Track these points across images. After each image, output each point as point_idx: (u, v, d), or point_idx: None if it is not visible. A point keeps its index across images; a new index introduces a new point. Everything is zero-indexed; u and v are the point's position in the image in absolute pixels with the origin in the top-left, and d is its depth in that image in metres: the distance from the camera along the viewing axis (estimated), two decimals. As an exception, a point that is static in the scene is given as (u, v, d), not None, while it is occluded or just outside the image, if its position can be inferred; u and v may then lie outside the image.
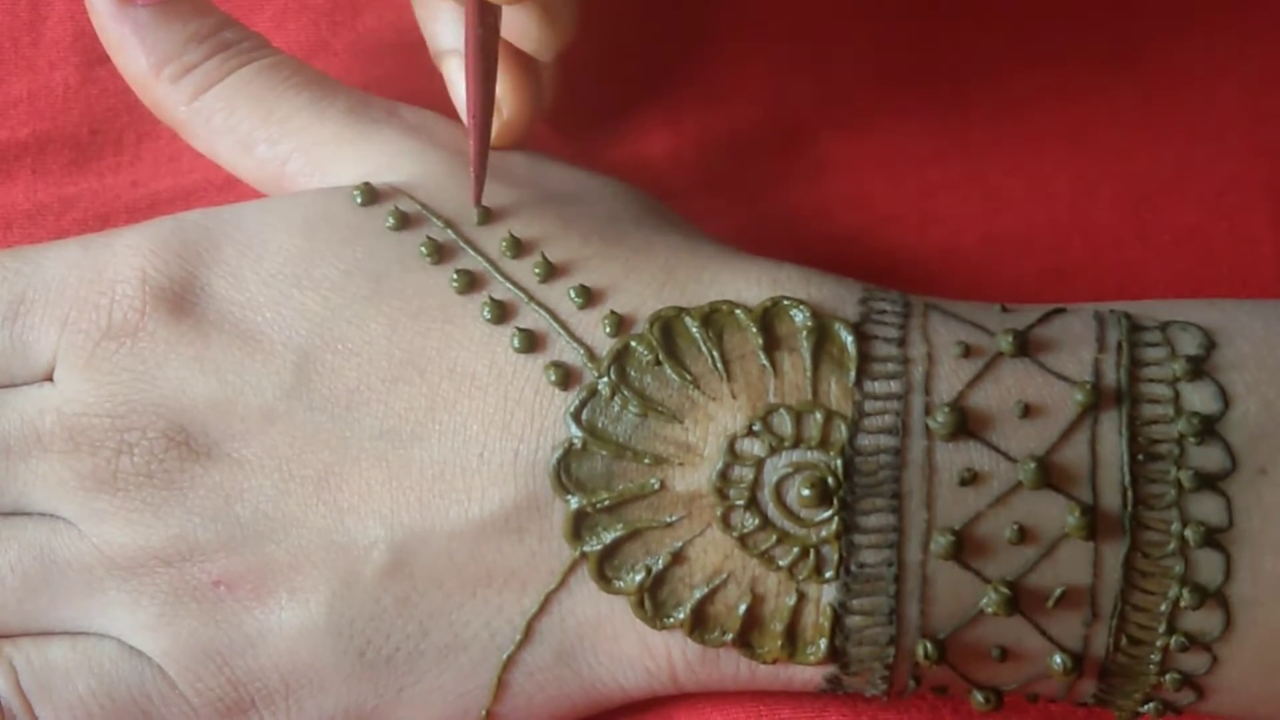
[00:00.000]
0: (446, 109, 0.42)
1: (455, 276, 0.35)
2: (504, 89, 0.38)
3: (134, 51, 0.39)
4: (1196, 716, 0.37)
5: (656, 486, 0.33)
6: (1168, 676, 0.33)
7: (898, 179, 0.44)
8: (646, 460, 0.33)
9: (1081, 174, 0.44)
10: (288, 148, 0.39)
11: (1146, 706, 0.34)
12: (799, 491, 0.32)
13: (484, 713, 0.35)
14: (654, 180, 0.43)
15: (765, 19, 0.45)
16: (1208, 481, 0.32)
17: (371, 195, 0.36)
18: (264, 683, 0.34)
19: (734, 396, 0.33)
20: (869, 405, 0.32)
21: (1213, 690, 0.33)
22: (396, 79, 0.45)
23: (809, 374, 0.33)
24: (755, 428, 0.33)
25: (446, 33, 0.40)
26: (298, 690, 0.34)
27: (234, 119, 0.39)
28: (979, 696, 0.34)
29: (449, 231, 0.36)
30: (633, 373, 0.33)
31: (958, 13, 0.45)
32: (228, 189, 0.43)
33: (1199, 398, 0.32)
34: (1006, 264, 0.43)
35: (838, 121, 0.45)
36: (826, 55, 0.45)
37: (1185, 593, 0.32)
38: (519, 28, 0.36)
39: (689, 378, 0.33)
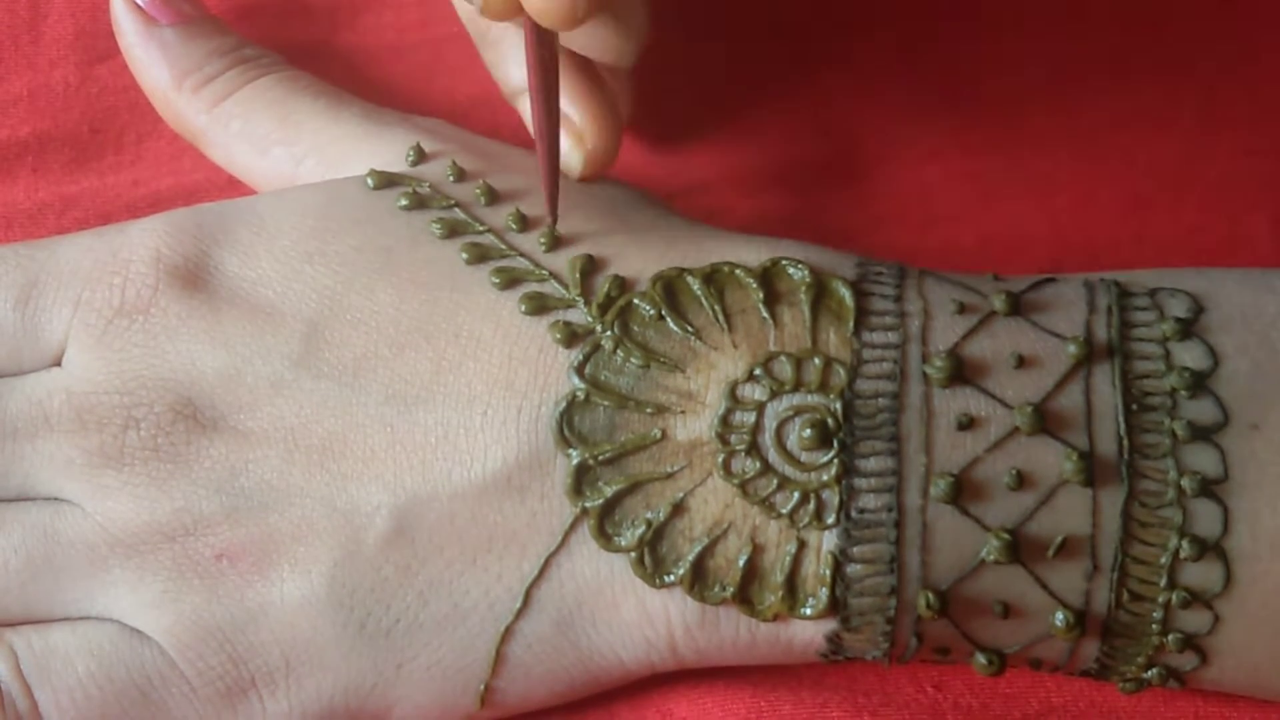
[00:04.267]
0: (448, 111, 0.45)
1: (464, 249, 0.37)
2: (585, 120, 0.40)
3: (158, 67, 0.44)
4: (1199, 692, 0.38)
5: (658, 436, 0.35)
6: (1170, 637, 0.35)
7: (897, 178, 0.47)
8: (649, 410, 0.35)
9: (1080, 174, 0.46)
10: (303, 148, 0.42)
11: (1149, 673, 0.36)
12: (799, 434, 0.35)
13: (482, 687, 0.37)
14: (654, 180, 0.46)
15: (764, 21, 0.48)
16: (1202, 433, 0.34)
17: (383, 180, 0.39)
18: (265, 659, 0.36)
19: (735, 346, 0.36)
20: (867, 353, 0.35)
21: (1215, 653, 0.35)
22: (397, 80, 0.47)
23: (808, 325, 0.36)
24: (756, 373, 0.35)
25: (516, 72, 0.42)
26: (298, 667, 0.36)
27: (251, 123, 0.43)
28: (981, 658, 0.36)
29: (458, 211, 0.38)
30: (635, 327, 0.36)
31: (956, 13, 0.48)
32: (230, 188, 0.45)
33: (1189, 356, 0.35)
34: (1005, 264, 0.45)
35: (836, 121, 0.47)
36: (826, 56, 0.47)
37: (1184, 544, 0.34)
38: (595, 40, 0.39)
39: (691, 329, 0.36)
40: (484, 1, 0.32)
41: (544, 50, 0.35)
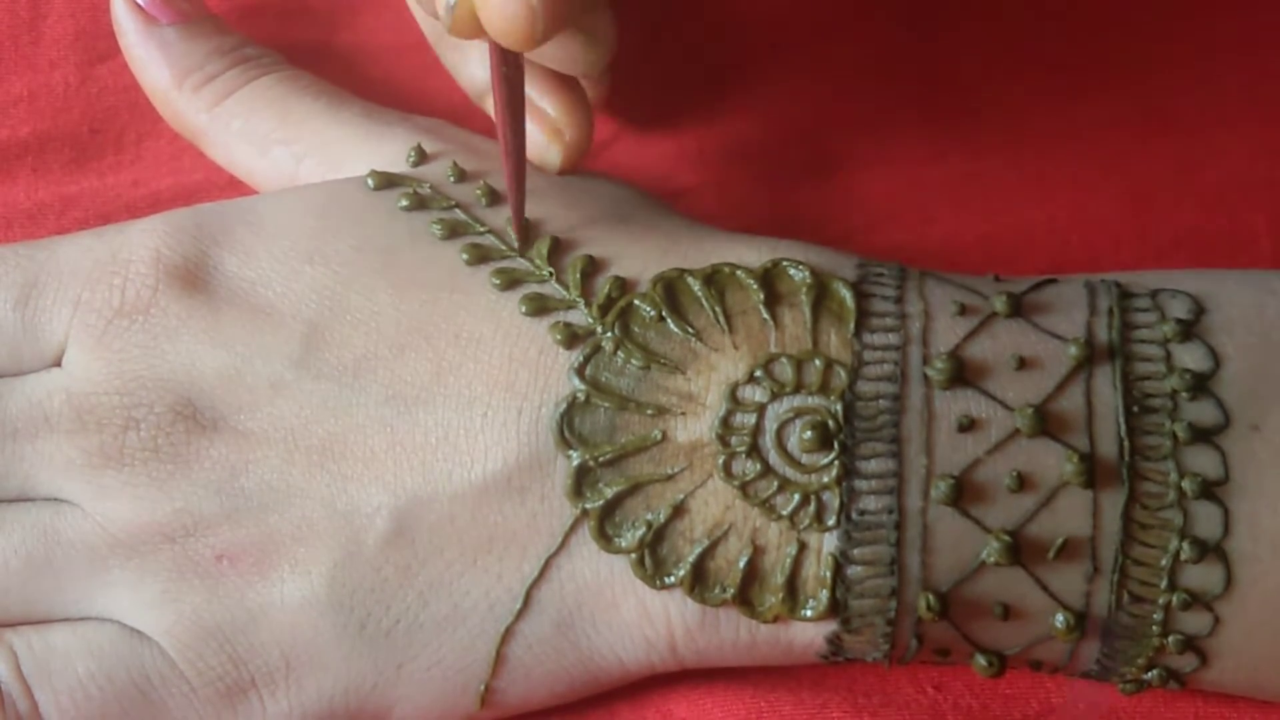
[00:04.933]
0: (448, 111, 0.45)
1: (464, 250, 0.37)
2: (560, 114, 0.41)
3: (159, 66, 0.44)
4: (1199, 693, 0.38)
5: (659, 438, 0.35)
6: (1170, 638, 0.35)
7: (897, 179, 0.47)
8: (649, 411, 0.35)
9: (1081, 174, 0.46)
10: (303, 148, 0.42)
11: (1149, 675, 0.36)
12: (800, 436, 0.34)
13: (482, 688, 0.37)
14: (654, 180, 0.46)
15: (765, 20, 0.48)
16: (1202, 435, 0.34)
17: (383, 181, 0.39)
18: (265, 660, 0.36)
19: (736, 347, 0.36)
20: (868, 355, 0.35)
21: (1215, 655, 0.35)
22: (396, 81, 0.47)
23: (809, 327, 0.36)
24: (757, 375, 0.35)
25: (481, 73, 0.43)
26: (298, 668, 0.36)
27: (252, 123, 0.43)
28: (981, 660, 0.36)
29: (458, 211, 0.38)
30: (636, 328, 0.36)
31: (958, 13, 0.48)
32: (230, 189, 0.45)
33: (1190, 357, 0.35)
34: (1005, 264, 0.45)
35: (837, 121, 0.47)
36: (826, 56, 0.47)
37: (1185, 546, 0.34)
38: (562, 54, 0.39)
39: (691, 331, 0.36)
40: (451, 23, 0.32)
41: (509, 69, 0.35)
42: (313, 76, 0.44)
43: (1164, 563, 0.34)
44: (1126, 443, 0.34)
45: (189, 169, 0.46)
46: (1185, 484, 0.34)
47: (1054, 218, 0.46)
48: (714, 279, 0.36)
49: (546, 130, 0.40)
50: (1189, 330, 0.35)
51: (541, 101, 0.40)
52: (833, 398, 0.35)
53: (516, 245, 0.38)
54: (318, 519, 0.36)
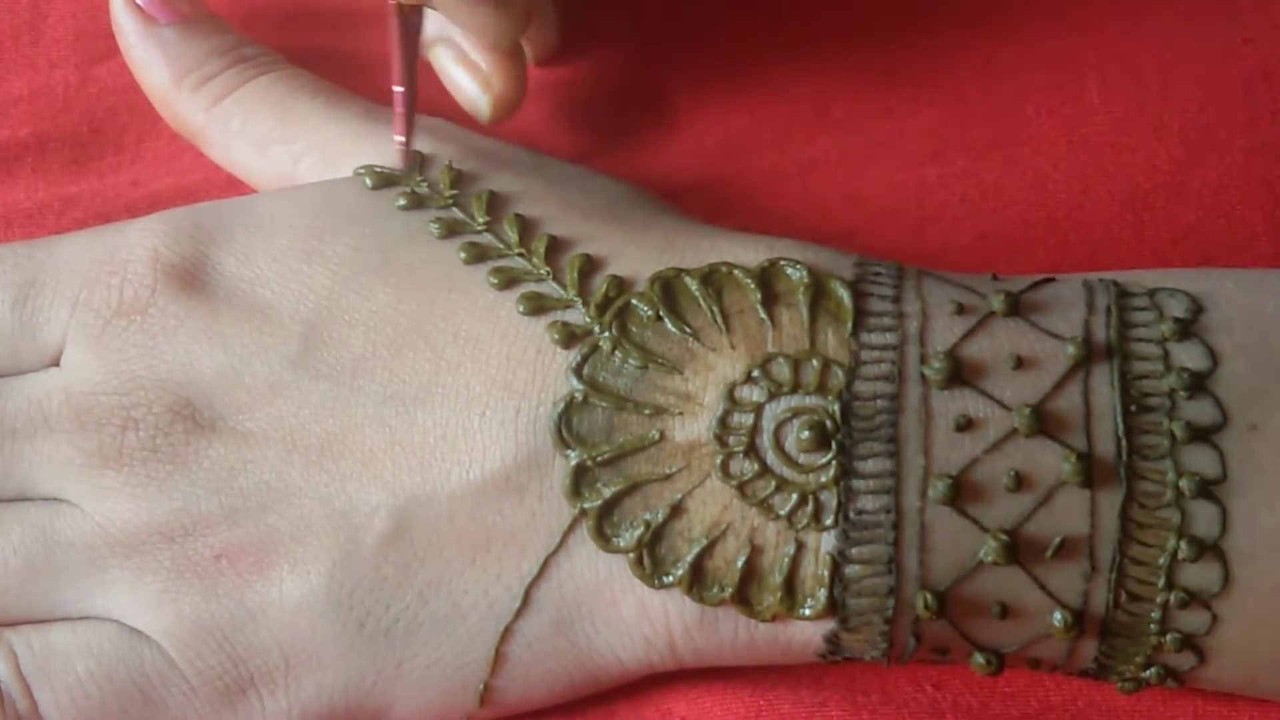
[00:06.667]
0: (447, 111, 0.45)
1: (462, 249, 0.37)
2: (491, 67, 0.42)
3: (157, 66, 0.44)
4: (1198, 692, 0.38)
5: (656, 437, 0.35)
6: (1168, 637, 0.35)
7: (895, 177, 0.46)
8: (647, 411, 0.35)
9: (1079, 173, 0.46)
10: (302, 146, 0.42)
11: (1147, 673, 0.36)
12: (797, 436, 0.34)
13: (481, 687, 0.37)
14: (654, 180, 0.46)
15: (764, 19, 0.48)
16: (1200, 434, 0.34)
17: (381, 180, 0.39)
18: (264, 659, 0.36)
19: (733, 347, 0.36)
20: (865, 355, 0.35)
21: (1214, 653, 0.35)
22: (397, 81, 0.47)
23: (806, 327, 0.35)
24: (754, 375, 0.35)
25: (429, 26, 0.43)
26: (297, 667, 0.36)
27: (251, 121, 0.43)
28: (980, 658, 0.35)
29: (456, 210, 0.38)
30: (633, 328, 0.36)
31: (956, 12, 0.47)
32: (229, 188, 0.45)
33: (1188, 356, 0.35)
34: (1003, 263, 0.45)
35: (836, 120, 0.47)
36: (825, 54, 0.47)
37: (1183, 544, 0.34)
38: (472, 21, 0.40)
39: (689, 330, 0.36)
40: None
41: (405, 26, 0.37)
42: (311, 75, 0.44)
43: (1162, 561, 0.34)
44: (1124, 442, 0.34)
45: (189, 169, 0.46)
46: (1183, 483, 0.34)
47: (1051, 217, 0.46)
48: (711, 278, 0.36)
49: (479, 81, 0.42)
50: (1187, 329, 0.35)
51: (475, 55, 0.42)
52: (830, 397, 0.35)
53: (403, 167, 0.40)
54: (316, 518, 0.36)
